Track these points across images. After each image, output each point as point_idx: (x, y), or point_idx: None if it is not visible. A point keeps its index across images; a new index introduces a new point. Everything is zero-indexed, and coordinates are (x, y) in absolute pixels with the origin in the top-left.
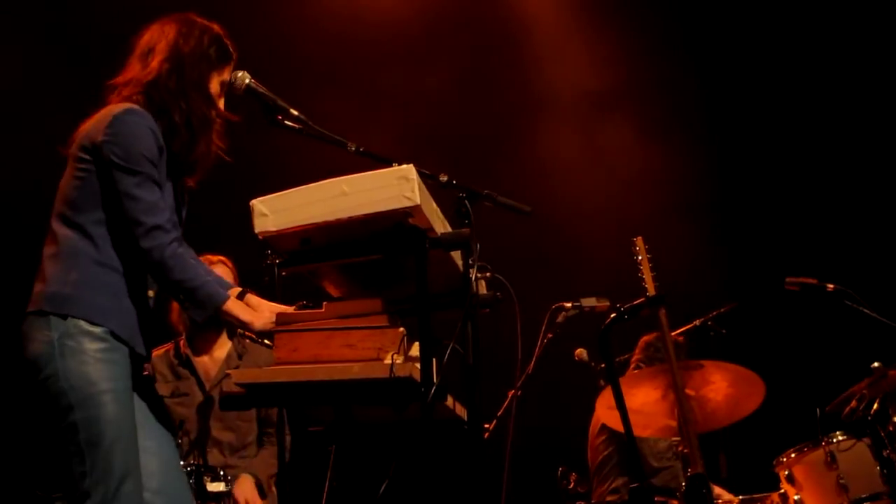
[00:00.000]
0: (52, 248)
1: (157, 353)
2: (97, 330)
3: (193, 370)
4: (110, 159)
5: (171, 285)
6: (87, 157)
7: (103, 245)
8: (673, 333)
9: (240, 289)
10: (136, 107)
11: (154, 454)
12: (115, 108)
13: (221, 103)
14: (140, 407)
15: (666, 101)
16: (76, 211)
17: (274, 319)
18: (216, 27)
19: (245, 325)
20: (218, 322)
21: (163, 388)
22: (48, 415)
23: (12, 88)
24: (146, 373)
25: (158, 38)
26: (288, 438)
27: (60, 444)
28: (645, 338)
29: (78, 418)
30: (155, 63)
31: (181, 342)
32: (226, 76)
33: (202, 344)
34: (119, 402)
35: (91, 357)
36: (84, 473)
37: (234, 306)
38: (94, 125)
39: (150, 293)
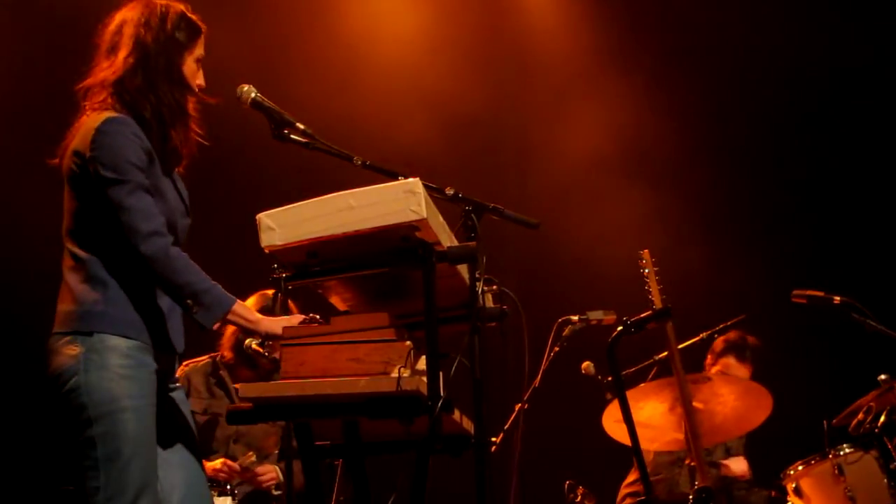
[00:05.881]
0: (71, 268)
1: (194, 365)
2: (124, 345)
3: (228, 392)
4: (98, 174)
5: (177, 289)
6: (80, 174)
7: (118, 257)
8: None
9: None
10: (114, 115)
11: (179, 467)
12: (95, 119)
13: (200, 77)
14: (168, 420)
15: (675, 113)
16: (86, 228)
17: (280, 326)
18: (178, 5)
19: (251, 326)
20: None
21: (195, 404)
22: (67, 428)
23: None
24: (179, 383)
25: (120, 31)
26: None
27: (77, 458)
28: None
29: (96, 433)
30: (119, 60)
31: (219, 360)
32: (199, 51)
33: (240, 371)
34: (139, 419)
35: (114, 373)
36: (98, 488)
37: (240, 308)
38: (79, 140)
39: None
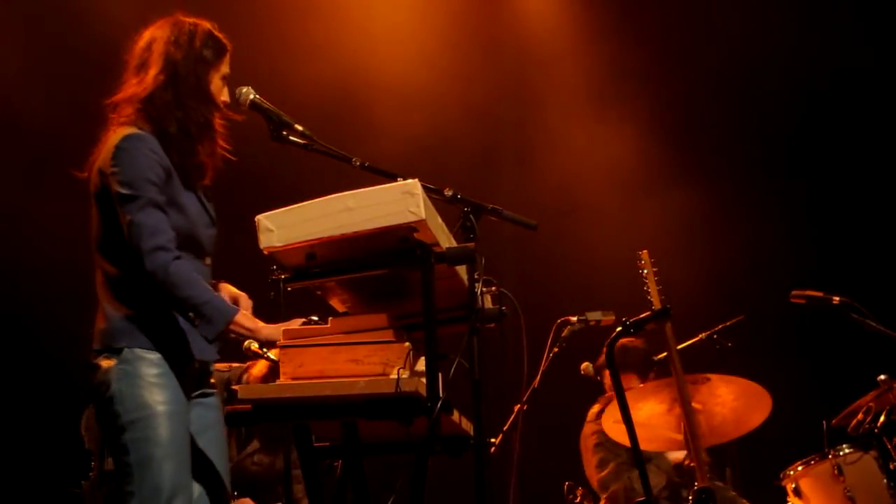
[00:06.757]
0: (101, 284)
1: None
2: (153, 356)
3: None
4: (115, 191)
5: (179, 303)
6: (103, 191)
7: (142, 271)
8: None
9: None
10: (134, 131)
11: (200, 473)
12: (116, 136)
13: (226, 93)
14: (194, 426)
15: (673, 113)
16: (113, 244)
17: (281, 331)
18: (205, 23)
19: (251, 335)
20: None
21: None
22: (107, 436)
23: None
24: (212, 380)
25: (150, 49)
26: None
27: (115, 464)
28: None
29: (128, 439)
30: (150, 77)
31: (243, 379)
32: (225, 69)
33: None
34: (171, 425)
35: (145, 381)
36: (132, 493)
37: (241, 318)
38: (102, 158)
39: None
